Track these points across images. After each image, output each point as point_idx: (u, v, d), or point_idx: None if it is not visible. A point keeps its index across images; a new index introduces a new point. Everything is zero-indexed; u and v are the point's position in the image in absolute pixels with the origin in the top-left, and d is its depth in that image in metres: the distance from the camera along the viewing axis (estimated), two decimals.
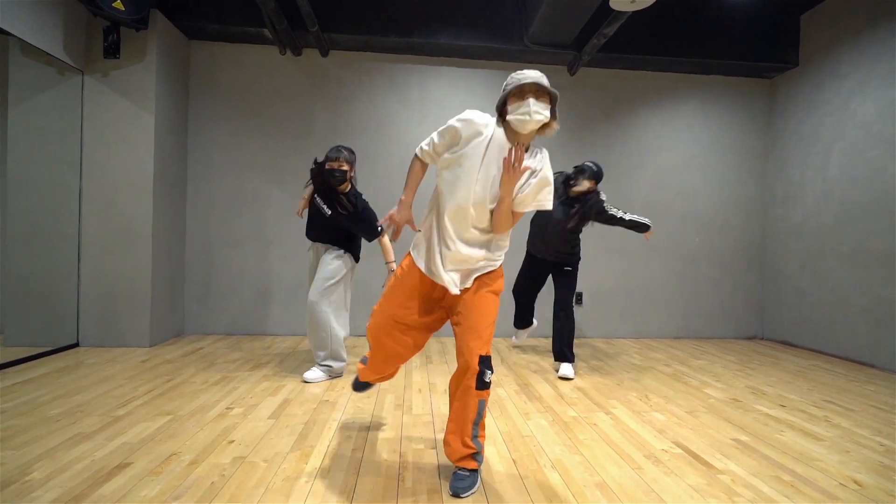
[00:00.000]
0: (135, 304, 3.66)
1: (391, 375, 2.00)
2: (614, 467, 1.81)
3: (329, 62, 4.33)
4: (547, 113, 1.54)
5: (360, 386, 2.12)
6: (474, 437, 1.64)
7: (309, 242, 3.03)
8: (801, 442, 2.11)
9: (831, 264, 3.94)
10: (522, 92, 1.53)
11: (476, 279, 1.68)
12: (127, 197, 3.65)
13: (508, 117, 1.55)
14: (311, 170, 2.89)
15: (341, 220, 2.81)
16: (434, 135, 1.68)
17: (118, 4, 3.22)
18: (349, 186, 2.85)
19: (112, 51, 3.60)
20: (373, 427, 2.17)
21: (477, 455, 1.66)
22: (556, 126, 1.61)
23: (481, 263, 1.66)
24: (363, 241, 3.02)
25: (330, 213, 2.81)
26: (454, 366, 1.67)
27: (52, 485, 1.59)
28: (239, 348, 3.67)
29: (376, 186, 4.33)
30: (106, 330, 3.64)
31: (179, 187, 4.11)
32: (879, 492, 1.68)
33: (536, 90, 1.52)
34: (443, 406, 2.47)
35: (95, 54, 3.62)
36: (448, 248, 1.62)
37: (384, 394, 2.66)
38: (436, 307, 1.74)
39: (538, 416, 2.36)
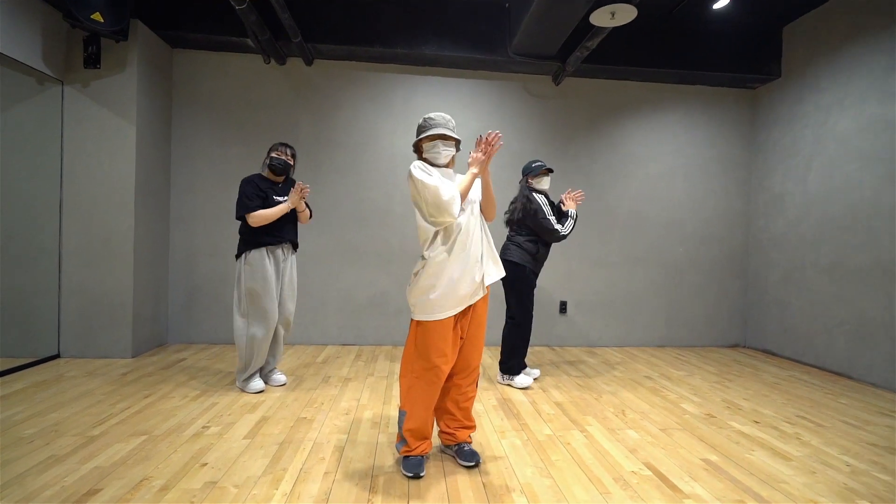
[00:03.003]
0: (116, 315, 3.64)
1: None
2: (582, 492, 1.83)
3: (313, 71, 4.32)
4: (452, 150, 1.99)
5: (417, 464, 1.95)
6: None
7: (264, 250, 2.82)
8: (769, 462, 2.14)
9: (811, 276, 3.99)
10: (432, 138, 1.96)
11: None
12: (108, 209, 3.63)
13: (424, 154, 2.01)
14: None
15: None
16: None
17: (97, 16, 3.20)
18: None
19: (92, 61, 3.58)
20: (347, 447, 2.18)
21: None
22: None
23: None
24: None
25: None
26: None
27: None
28: (222, 359, 3.67)
29: (362, 196, 4.35)
30: (87, 341, 3.62)
31: (163, 197, 4.09)
32: None
33: (444, 137, 1.95)
34: None
35: (75, 64, 3.60)
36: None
37: (362, 409, 2.67)
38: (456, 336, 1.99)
39: (513, 435, 2.38)
